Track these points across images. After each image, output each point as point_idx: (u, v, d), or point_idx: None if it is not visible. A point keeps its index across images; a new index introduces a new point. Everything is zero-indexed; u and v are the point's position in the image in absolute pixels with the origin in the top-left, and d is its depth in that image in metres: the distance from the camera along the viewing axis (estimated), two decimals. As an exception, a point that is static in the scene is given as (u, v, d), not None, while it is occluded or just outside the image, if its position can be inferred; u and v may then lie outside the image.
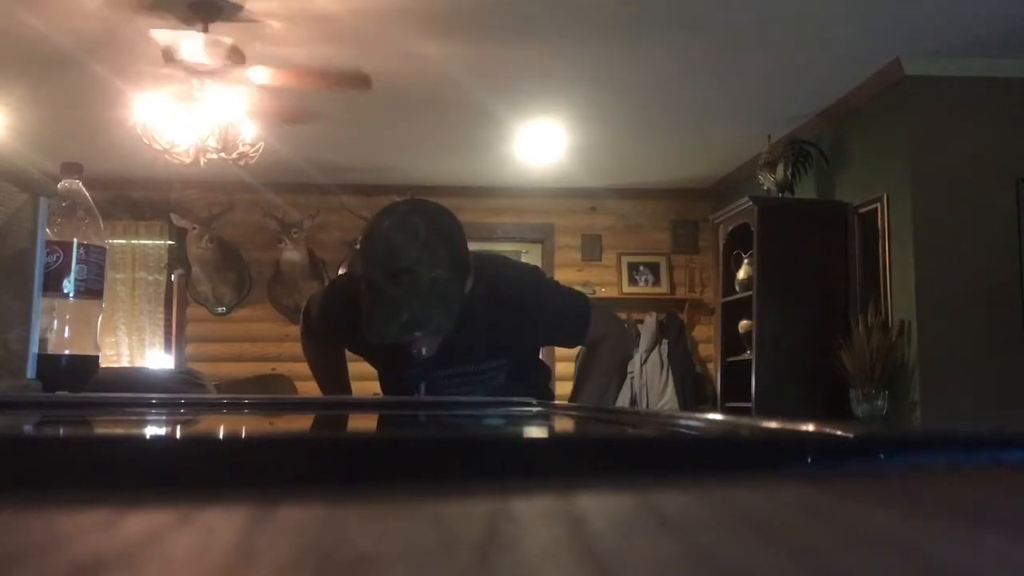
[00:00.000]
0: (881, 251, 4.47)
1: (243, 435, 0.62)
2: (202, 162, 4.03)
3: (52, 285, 1.23)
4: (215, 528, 0.26)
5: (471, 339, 1.76)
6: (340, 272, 6.58)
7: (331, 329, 1.97)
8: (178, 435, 0.70)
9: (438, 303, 1.65)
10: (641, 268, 6.85)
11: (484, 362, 1.86)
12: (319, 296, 2.08)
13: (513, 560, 0.22)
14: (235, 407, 1.19)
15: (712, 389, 6.24)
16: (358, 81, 3.93)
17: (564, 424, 1.01)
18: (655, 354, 6.51)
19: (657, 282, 6.83)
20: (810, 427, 0.46)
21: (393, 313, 1.62)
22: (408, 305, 1.62)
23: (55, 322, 1.26)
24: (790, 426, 0.49)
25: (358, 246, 1.70)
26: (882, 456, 0.40)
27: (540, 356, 2.17)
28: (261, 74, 3.84)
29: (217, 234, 6.40)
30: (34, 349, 1.17)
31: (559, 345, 2.04)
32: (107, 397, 1.14)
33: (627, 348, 1.78)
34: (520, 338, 1.88)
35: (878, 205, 4.49)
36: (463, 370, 1.84)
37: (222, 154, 4.00)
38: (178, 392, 2.37)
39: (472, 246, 1.81)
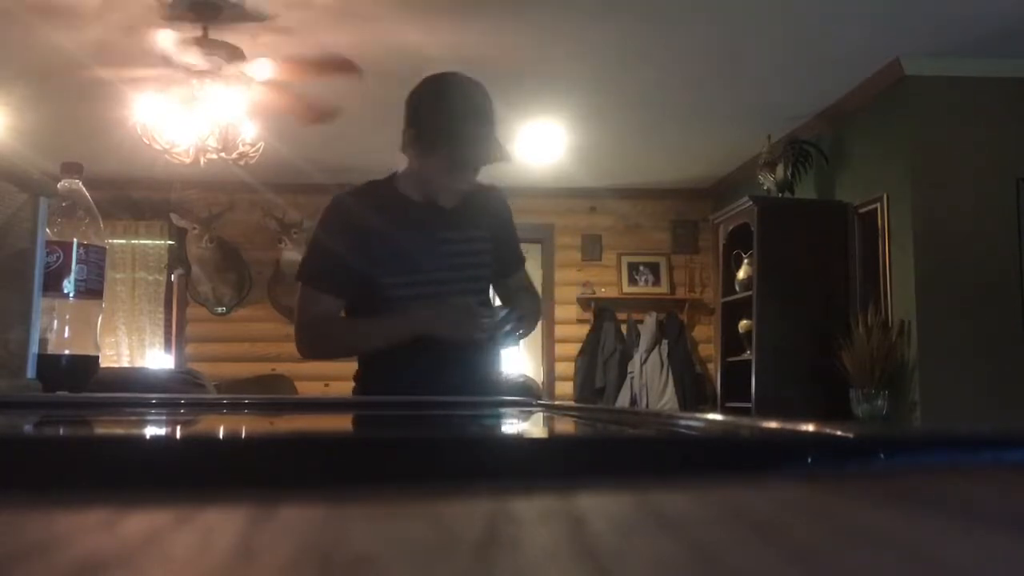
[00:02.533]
0: (881, 251, 4.47)
1: (243, 435, 0.62)
2: (202, 162, 4.04)
3: (52, 285, 1.23)
4: (215, 528, 0.26)
5: (471, 210, 2.07)
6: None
7: (353, 227, 1.97)
8: (178, 435, 0.70)
9: (496, 140, 2.01)
10: (641, 268, 6.85)
11: (475, 233, 2.07)
12: (334, 203, 2.04)
13: (513, 560, 0.22)
14: (235, 407, 1.19)
15: (712, 389, 6.24)
16: (345, 67, 3.91)
17: (564, 424, 1.01)
18: (655, 354, 6.51)
19: (657, 282, 6.83)
20: (810, 427, 0.46)
21: (481, 136, 1.97)
22: (490, 131, 1.99)
23: (55, 322, 1.26)
24: (790, 426, 0.49)
25: (416, 106, 2.01)
26: (882, 456, 0.40)
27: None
28: (259, 69, 3.85)
29: (217, 234, 6.41)
30: (34, 349, 1.17)
31: (506, 264, 2.17)
32: (107, 397, 1.14)
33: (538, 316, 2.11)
34: (495, 226, 2.13)
35: (878, 205, 4.49)
36: (459, 237, 2.04)
37: (222, 154, 4.00)
38: (178, 392, 2.37)
39: None
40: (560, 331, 6.75)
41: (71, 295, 1.26)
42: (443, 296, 1.95)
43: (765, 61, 4.26)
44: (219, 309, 6.65)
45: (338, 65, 3.91)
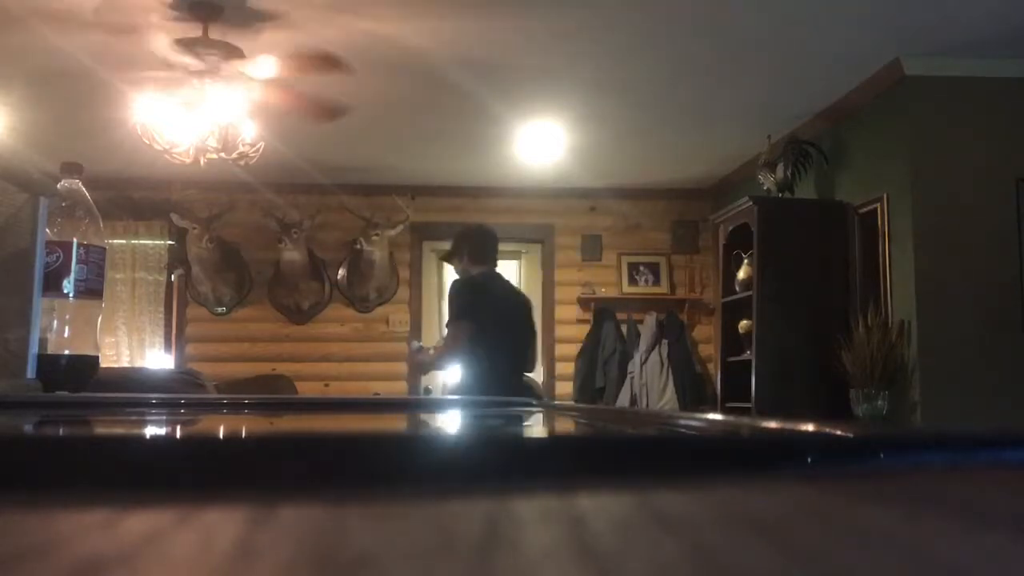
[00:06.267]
0: (881, 251, 4.47)
1: (243, 435, 0.62)
2: (202, 162, 4.03)
3: (52, 285, 1.23)
4: (215, 528, 0.26)
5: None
6: (340, 273, 6.61)
7: (487, 298, 3.90)
8: (178, 435, 0.70)
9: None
10: (641, 268, 6.85)
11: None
12: (473, 280, 3.99)
13: (513, 560, 0.22)
14: (235, 407, 1.19)
15: (712, 389, 6.24)
16: (330, 64, 3.89)
17: (564, 424, 1.01)
18: (655, 354, 6.51)
19: (657, 282, 6.83)
20: (810, 427, 0.46)
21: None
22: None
23: (55, 322, 1.26)
24: (790, 426, 0.49)
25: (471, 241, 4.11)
26: (882, 456, 0.40)
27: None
28: (259, 69, 3.84)
29: (217, 234, 6.40)
30: (34, 349, 1.17)
31: None
32: (107, 397, 1.14)
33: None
34: None
35: (878, 205, 4.49)
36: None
37: (222, 154, 4.00)
38: (178, 392, 2.37)
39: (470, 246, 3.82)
40: (560, 331, 6.75)
41: (71, 295, 1.26)
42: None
43: (765, 61, 4.26)
44: (219, 309, 6.65)
45: (326, 62, 3.89)
